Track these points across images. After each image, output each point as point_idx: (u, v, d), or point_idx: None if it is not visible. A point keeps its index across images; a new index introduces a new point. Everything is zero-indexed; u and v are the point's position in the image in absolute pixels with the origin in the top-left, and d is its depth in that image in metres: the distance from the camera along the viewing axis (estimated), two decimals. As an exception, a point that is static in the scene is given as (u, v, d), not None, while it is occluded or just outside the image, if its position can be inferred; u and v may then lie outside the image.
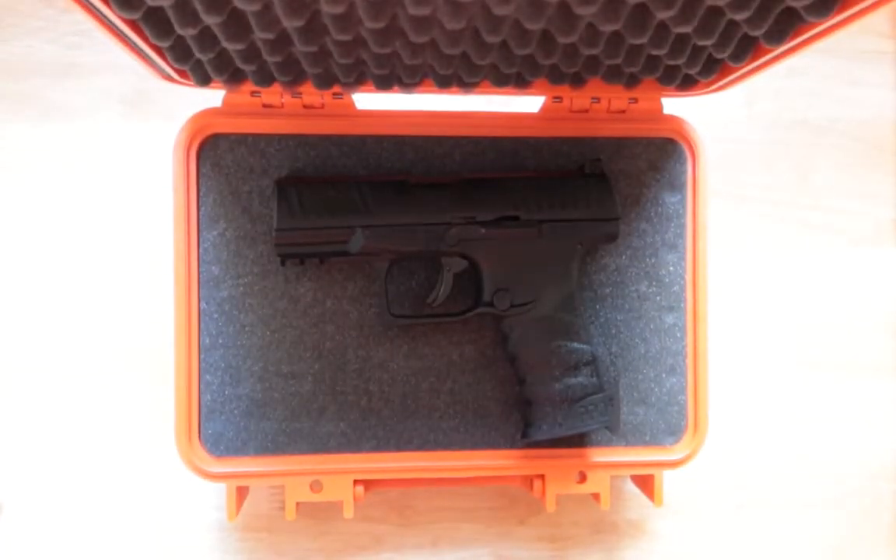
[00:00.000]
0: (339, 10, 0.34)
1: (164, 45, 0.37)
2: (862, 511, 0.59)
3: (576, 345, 0.46)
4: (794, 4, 0.34)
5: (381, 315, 0.47)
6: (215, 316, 0.47)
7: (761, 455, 0.59)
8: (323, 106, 0.47)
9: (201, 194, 0.47)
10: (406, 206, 0.45)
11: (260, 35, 0.37)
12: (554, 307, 0.46)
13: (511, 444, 0.49)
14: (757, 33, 0.37)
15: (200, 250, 0.47)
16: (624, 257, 0.50)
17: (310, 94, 0.46)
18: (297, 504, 0.48)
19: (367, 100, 0.47)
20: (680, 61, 0.41)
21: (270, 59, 0.40)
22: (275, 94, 0.46)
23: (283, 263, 0.45)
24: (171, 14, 0.35)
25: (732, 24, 0.38)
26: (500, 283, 0.46)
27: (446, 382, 0.49)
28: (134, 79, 0.56)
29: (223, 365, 0.47)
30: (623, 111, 0.49)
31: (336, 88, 0.44)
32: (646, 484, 0.52)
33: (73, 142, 0.56)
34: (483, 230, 0.45)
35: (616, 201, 0.47)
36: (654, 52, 0.40)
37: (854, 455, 0.59)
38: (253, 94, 0.46)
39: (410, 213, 0.45)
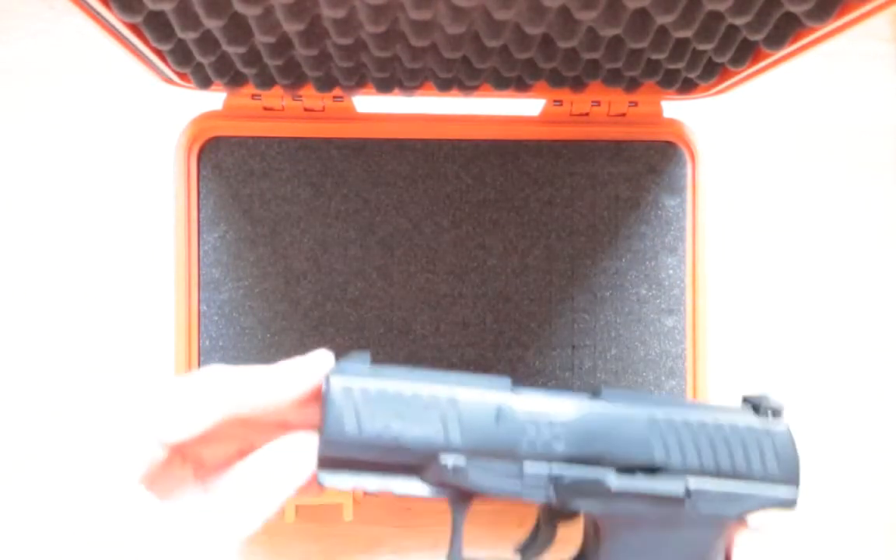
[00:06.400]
0: (339, 14, 0.34)
1: (165, 48, 0.38)
2: (865, 515, 0.59)
3: None
4: (794, 9, 0.34)
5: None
6: (215, 318, 0.47)
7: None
8: (324, 109, 0.47)
9: (202, 197, 0.47)
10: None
11: (261, 39, 0.37)
12: None
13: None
14: (757, 38, 0.37)
15: (201, 253, 0.47)
16: (623, 260, 0.50)
17: (310, 97, 0.46)
18: (297, 507, 0.48)
19: (368, 102, 0.47)
20: (680, 65, 0.42)
21: (271, 63, 0.40)
22: (275, 97, 0.46)
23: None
24: (172, 18, 0.35)
25: (732, 29, 0.38)
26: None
27: (446, 385, 0.49)
28: (134, 82, 0.56)
29: (223, 367, 0.47)
30: (623, 114, 0.49)
31: (337, 91, 0.45)
32: (645, 487, 0.52)
33: (73, 144, 0.56)
34: (614, 484, 0.32)
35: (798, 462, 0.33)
36: (654, 57, 0.40)
37: (854, 458, 0.59)
38: (254, 96, 0.46)
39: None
